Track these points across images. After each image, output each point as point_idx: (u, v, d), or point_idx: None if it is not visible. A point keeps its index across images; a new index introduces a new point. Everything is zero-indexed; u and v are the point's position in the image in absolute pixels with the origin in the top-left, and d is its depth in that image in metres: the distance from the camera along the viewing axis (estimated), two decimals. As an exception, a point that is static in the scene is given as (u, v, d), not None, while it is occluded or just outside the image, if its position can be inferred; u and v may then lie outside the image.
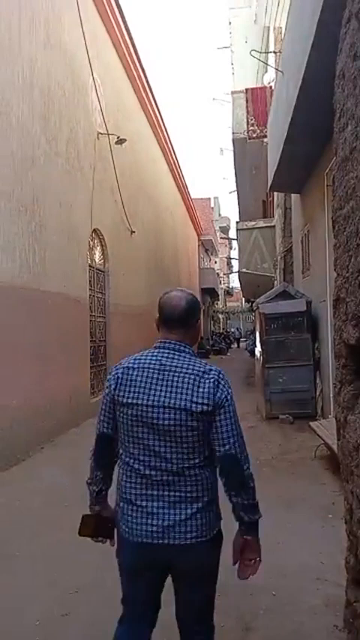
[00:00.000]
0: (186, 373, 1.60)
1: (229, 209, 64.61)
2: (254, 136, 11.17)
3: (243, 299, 39.80)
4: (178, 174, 20.34)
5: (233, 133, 12.50)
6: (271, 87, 10.35)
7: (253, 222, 14.45)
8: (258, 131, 11.02)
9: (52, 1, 7.26)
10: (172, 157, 18.36)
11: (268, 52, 11.34)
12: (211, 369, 1.63)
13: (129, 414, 1.62)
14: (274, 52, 9.92)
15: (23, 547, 3.48)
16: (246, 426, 5.52)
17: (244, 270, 14.76)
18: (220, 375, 1.62)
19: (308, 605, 2.63)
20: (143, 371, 1.63)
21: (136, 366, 1.66)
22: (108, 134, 9.66)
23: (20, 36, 6.21)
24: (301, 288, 8.40)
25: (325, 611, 2.55)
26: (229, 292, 49.33)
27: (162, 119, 15.39)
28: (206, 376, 1.60)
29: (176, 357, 1.65)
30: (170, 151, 17.88)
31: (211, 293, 33.05)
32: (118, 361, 1.77)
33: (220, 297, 40.92)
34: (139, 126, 13.17)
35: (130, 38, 10.92)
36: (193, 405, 1.56)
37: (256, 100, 11.13)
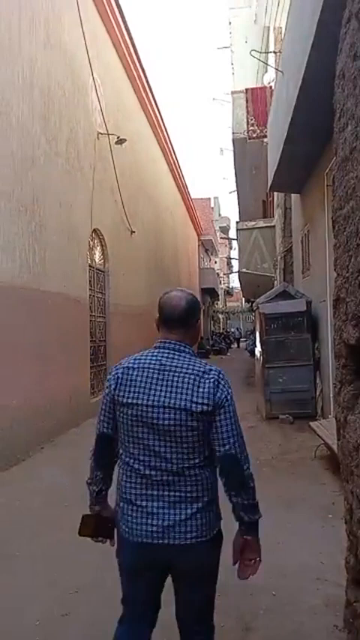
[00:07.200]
0: (186, 373, 1.60)
1: (229, 209, 64.73)
2: (254, 136, 11.17)
3: (243, 299, 39.79)
4: (178, 174, 20.33)
5: (233, 133, 12.50)
6: (271, 87, 10.35)
7: (253, 222, 14.45)
8: (258, 131, 11.02)
9: (52, 1, 7.26)
10: (172, 157, 18.37)
11: (268, 52, 11.34)
12: (211, 369, 1.63)
13: (129, 414, 1.62)
14: (274, 52, 9.92)
15: (23, 547, 3.48)
16: (246, 426, 5.52)
17: (244, 270, 14.77)
18: (220, 375, 1.62)
19: (308, 605, 2.63)
20: (143, 371, 1.63)
21: (136, 366, 1.66)
22: (108, 134, 9.66)
23: (20, 36, 6.21)
24: (301, 288, 8.40)
25: (325, 611, 2.55)
26: (229, 292, 49.32)
27: (162, 119, 15.40)
28: (206, 376, 1.60)
29: (176, 357, 1.64)
30: (170, 151, 17.88)
31: (211, 293, 33.06)
32: (118, 361, 1.77)
33: (220, 297, 40.91)
34: (139, 126, 13.17)
35: (130, 38, 10.92)
36: (193, 405, 1.56)
37: (256, 100, 11.13)
